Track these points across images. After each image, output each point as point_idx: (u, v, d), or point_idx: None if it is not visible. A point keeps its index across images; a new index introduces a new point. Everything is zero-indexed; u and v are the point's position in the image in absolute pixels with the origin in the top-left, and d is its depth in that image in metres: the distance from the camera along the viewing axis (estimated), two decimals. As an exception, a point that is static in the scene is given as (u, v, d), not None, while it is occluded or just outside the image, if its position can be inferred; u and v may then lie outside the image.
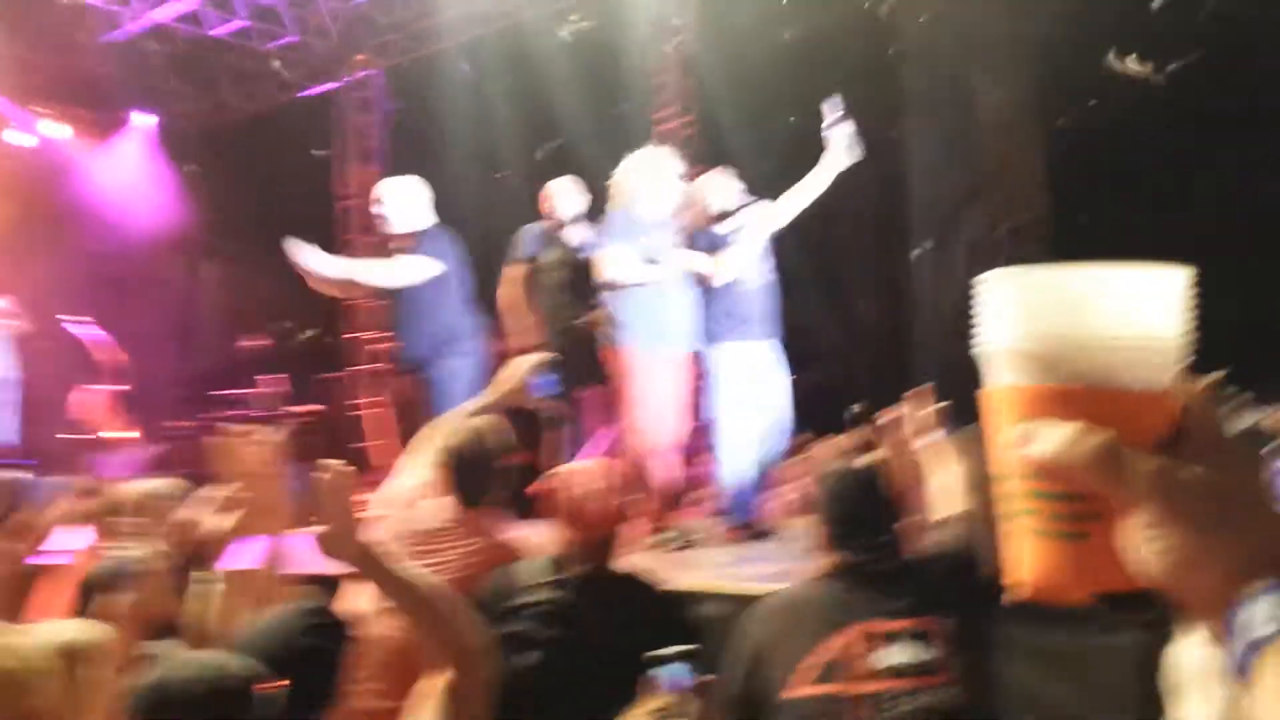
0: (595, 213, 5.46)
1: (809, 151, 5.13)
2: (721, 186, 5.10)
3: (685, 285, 4.86)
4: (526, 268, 5.73)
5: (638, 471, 4.63)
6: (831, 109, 5.00)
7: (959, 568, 2.40)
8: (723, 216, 4.99)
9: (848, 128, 5.05)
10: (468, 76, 12.73)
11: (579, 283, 5.47)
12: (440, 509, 2.88)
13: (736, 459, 4.74)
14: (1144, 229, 10.49)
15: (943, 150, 11.74)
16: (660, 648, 2.46)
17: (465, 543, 2.79)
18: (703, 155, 11.93)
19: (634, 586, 2.56)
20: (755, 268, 4.98)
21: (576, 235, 5.65)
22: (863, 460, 2.77)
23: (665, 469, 4.78)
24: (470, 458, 2.90)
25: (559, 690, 2.33)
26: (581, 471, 2.58)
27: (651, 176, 4.91)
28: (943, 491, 2.61)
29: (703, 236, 4.95)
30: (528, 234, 5.83)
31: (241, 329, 10.79)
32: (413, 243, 5.16)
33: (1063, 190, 12.11)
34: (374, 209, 5.24)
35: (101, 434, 9.68)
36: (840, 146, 5.00)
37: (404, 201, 5.16)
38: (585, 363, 5.15)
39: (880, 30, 11.94)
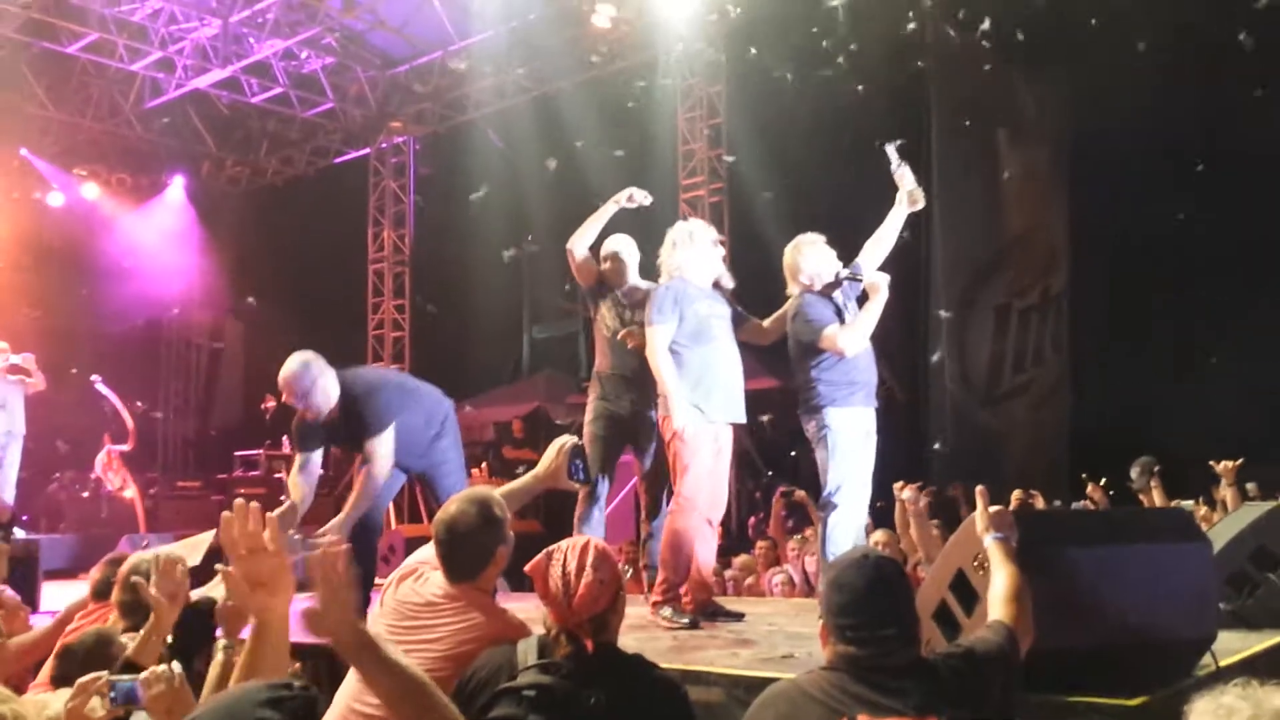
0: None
1: (838, 217, 5.15)
2: (818, 252, 4.89)
3: (734, 357, 4.91)
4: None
5: (678, 546, 4.65)
6: (894, 153, 4.95)
7: (975, 669, 2.36)
8: (828, 282, 4.84)
9: (909, 173, 4.93)
10: (497, 146, 12.97)
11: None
12: (438, 582, 2.87)
13: (847, 525, 4.66)
14: (1164, 299, 10.48)
15: (969, 217, 11.82)
16: None
17: (457, 619, 2.75)
18: (731, 223, 12.11)
19: (629, 669, 2.50)
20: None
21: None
22: (871, 550, 2.71)
23: (708, 542, 4.77)
24: (463, 532, 2.83)
25: None
26: (571, 549, 2.53)
27: (693, 247, 4.92)
28: (990, 600, 2.61)
29: (815, 303, 4.76)
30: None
31: (266, 390, 10.91)
32: (349, 419, 4.95)
33: (1085, 260, 12.14)
34: (294, 402, 4.82)
35: (108, 492, 9.81)
36: (908, 189, 4.92)
37: (318, 383, 4.84)
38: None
39: (909, 97, 12.10)
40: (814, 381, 4.67)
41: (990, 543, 2.74)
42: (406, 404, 5.06)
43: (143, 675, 2.34)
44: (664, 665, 3.37)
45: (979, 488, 2.89)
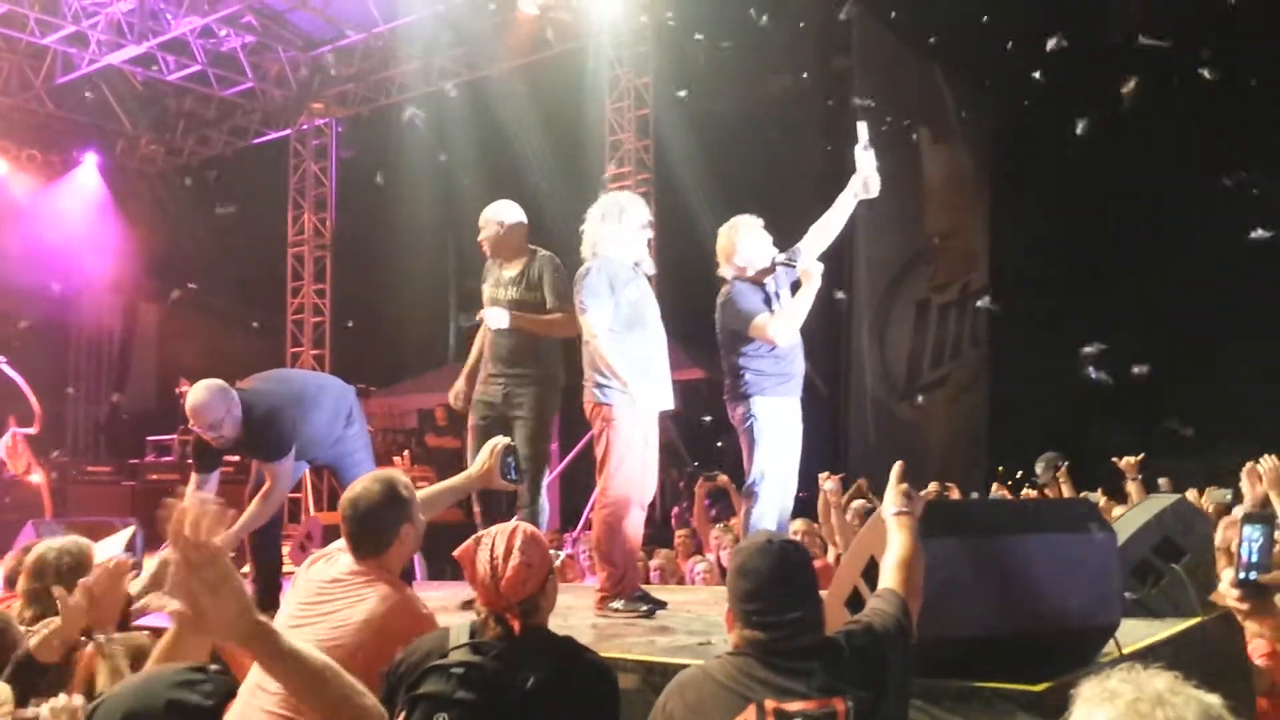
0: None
1: (767, 208, 5.03)
2: (755, 237, 4.75)
3: (664, 343, 4.84)
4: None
5: (616, 537, 4.56)
6: (864, 133, 4.70)
7: (875, 645, 2.38)
8: (761, 268, 4.68)
9: (873, 158, 4.74)
10: (422, 130, 12.80)
11: None
12: (346, 562, 2.87)
13: (771, 514, 4.64)
14: (1085, 292, 10.76)
15: (891, 214, 11.98)
16: (580, 713, 2.45)
17: (363, 594, 2.75)
18: (658, 213, 12.10)
19: (559, 650, 2.50)
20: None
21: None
22: (776, 535, 2.72)
23: (636, 528, 4.73)
24: (365, 508, 2.86)
25: None
26: (500, 533, 2.53)
27: (621, 224, 4.72)
28: (884, 568, 2.62)
29: (746, 290, 4.64)
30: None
31: (180, 374, 10.66)
32: (252, 440, 4.85)
33: (1005, 254, 12.42)
34: (202, 431, 4.68)
35: (10, 475, 9.52)
36: (865, 176, 4.72)
37: (230, 414, 4.74)
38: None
39: (835, 92, 12.23)
40: (742, 370, 4.65)
41: (891, 517, 2.75)
42: (308, 414, 4.95)
43: (46, 711, 2.26)
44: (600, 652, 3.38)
45: (897, 463, 2.87)
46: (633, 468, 4.63)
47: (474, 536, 2.55)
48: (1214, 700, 1.27)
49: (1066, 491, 7.02)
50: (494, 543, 2.49)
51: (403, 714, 2.34)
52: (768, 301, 4.73)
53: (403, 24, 12.07)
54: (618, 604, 4.56)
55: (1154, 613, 3.67)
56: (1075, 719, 1.31)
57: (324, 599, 2.82)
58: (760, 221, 4.82)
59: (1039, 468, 7.57)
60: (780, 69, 11.97)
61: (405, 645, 2.53)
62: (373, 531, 2.89)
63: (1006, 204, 12.16)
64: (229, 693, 1.87)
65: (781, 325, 4.60)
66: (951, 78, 12.52)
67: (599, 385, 4.64)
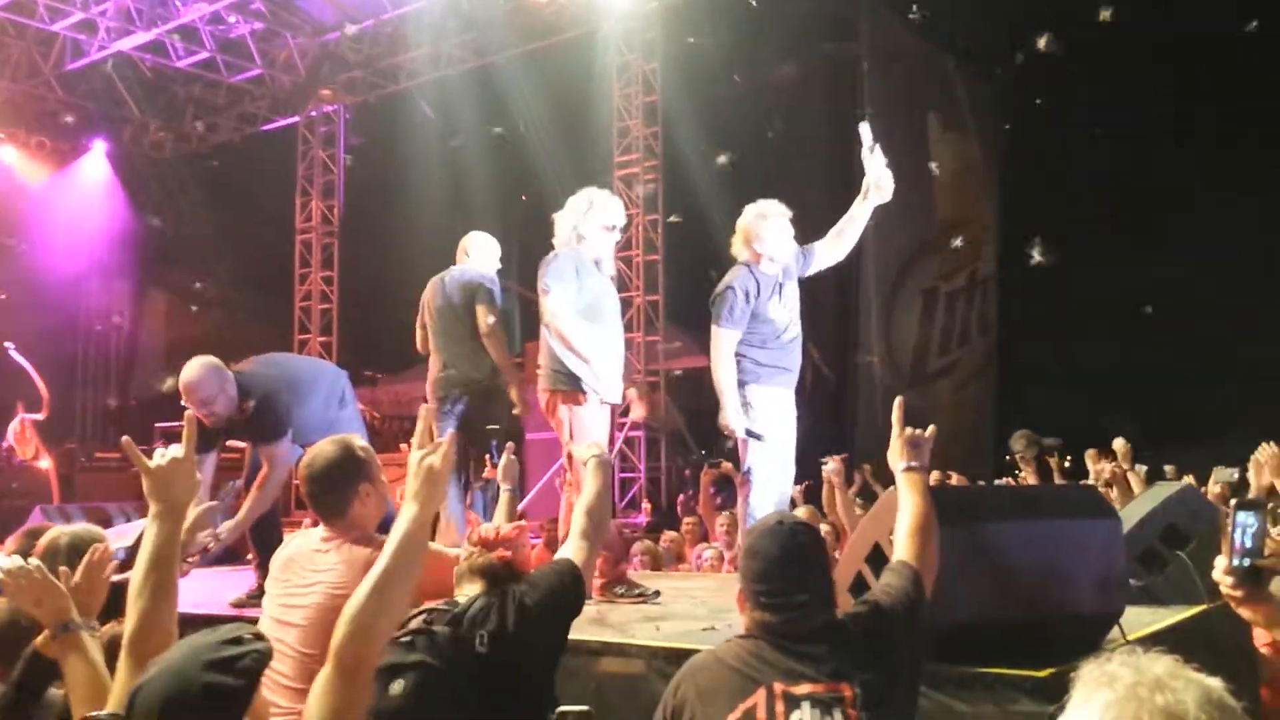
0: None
1: (776, 195, 4.99)
2: (780, 229, 4.67)
3: (621, 339, 4.87)
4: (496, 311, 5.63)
5: (601, 524, 4.57)
6: (867, 133, 4.62)
7: (884, 626, 2.37)
8: (776, 260, 4.63)
9: (880, 156, 4.65)
10: (432, 115, 12.80)
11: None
12: (320, 531, 2.96)
13: (767, 501, 4.56)
14: (1095, 281, 10.73)
15: (899, 202, 11.94)
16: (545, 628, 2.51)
17: (338, 559, 2.84)
18: (666, 200, 12.09)
19: (506, 594, 2.58)
20: (796, 314, 4.76)
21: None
22: (787, 516, 2.71)
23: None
24: (320, 468, 2.95)
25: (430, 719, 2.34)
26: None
27: (594, 219, 4.75)
28: (896, 535, 2.61)
29: (751, 277, 4.59)
30: (491, 282, 5.69)
31: (186, 359, 10.68)
32: (249, 423, 4.79)
33: (1014, 242, 12.38)
34: (194, 409, 4.64)
35: (19, 461, 9.56)
36: (876, 178, 4.64)
37: (224, 392, 4.67)
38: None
39: (844, 79, 12.17)
40: (739, 358, 4.66)
41: (902, 473, 2.69)
42: (304, 398, 4.99)
43: (4, 569, 2.36)
44: (585, 637, 3.39)
45: (897, 400, 2.80)
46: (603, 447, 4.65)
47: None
48: (1215, 684, 1.27)
49: (1034, 477, 6.98)
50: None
51: None
52: (777, 291, 4.72)
53: (411, 10, 12.04)
54: (621, 589, 4.58)
55: (1160, 600, 3.66)
56: (1074, 702, 1.31)
57: (304, 570, 2.90)
58: (789, 214, 4.78)
59: (1019, 444, 7.50)
60: (789, 55, 11.93)
61: None
62: (330, 492, 2.96)
63: (1015, 191, 12.11)
64: (265, 659, 1.89)
65: (719, 361, 4.59)
66: (962, 65, 12.46)
67: (556, 371, 4.65)
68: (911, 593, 2.48)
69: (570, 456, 4.66)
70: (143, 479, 2.25)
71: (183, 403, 4.78)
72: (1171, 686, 1.25)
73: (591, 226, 4.79)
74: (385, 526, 2.44)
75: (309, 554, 2.94)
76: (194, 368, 4.69)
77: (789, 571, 2.36)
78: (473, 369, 5.40)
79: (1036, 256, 9.40)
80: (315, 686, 2.06)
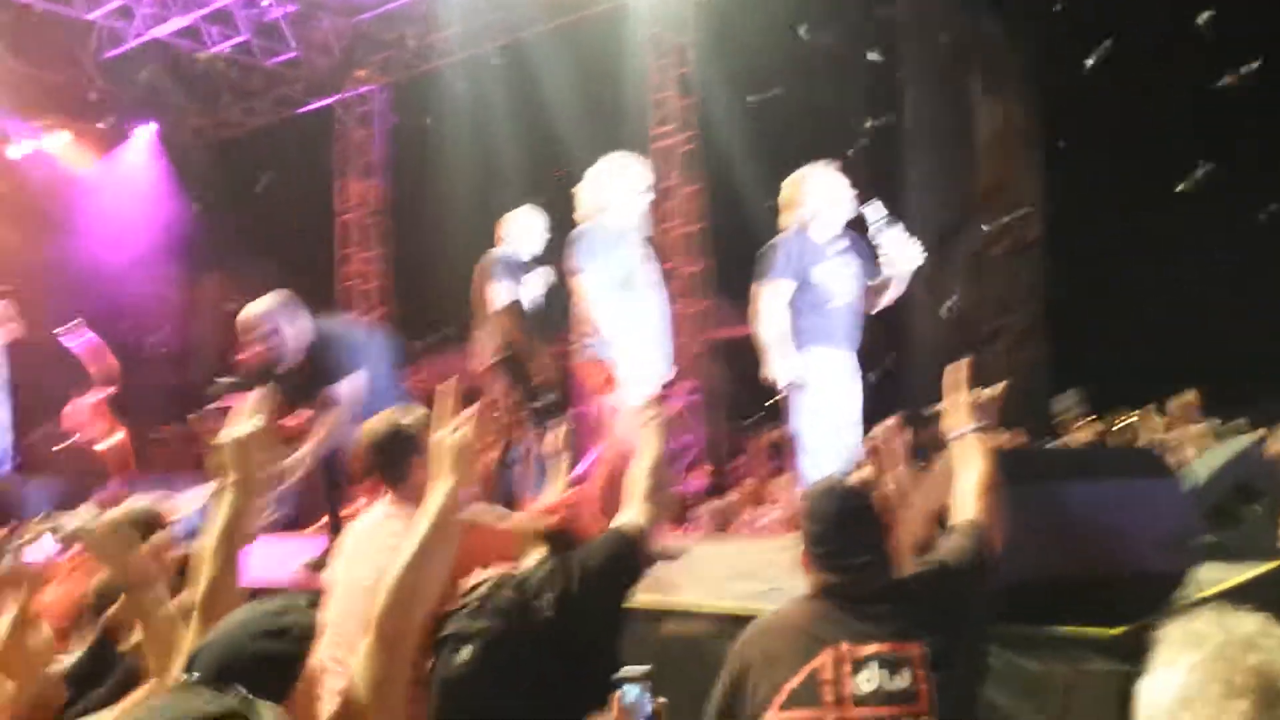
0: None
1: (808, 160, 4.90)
2: (823, 187, 4.56)
3: (661, 306, 4.85)
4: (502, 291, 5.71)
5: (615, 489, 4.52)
6: (876, 212, 4.53)
7: (951, 586, 2.36)
8: (831, 219, 4.56)
9: (896, 230, 4.58)
10: (467, 93, 12.77)
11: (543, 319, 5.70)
12: (383, 504, 3.01)
13: (823, 465, 4.52)
14: (1139, 245, 10.55)
15: (943, 167, 11.79)
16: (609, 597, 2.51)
17: (390, 541, 2.80)
18: (703, 172, 12.03)
19: (570, 558, 2.57)
20: (849, 285, 4.66)
21: (536, 275, 5.80)
22: (847, 478, 2.69)
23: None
24: (373, 442, 3.05)
25: (496, 684, 2.33)
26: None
27: (617, 186, 4.67)
28: (959, 496, 2.57)
29: (799, 239, 4.50)
30: (504, 257, 5.73)
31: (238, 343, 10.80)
32: (313, 359, 4.86)
33: (1061, 207, 12.18)
34: (261, 343, 4.72)
35: (90, 440, 9.67)
36: (895, 263, 4.57)
37: (293, 324, 4.79)
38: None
39: (882, 45, 12.01)
40: (792, 321, 4.61)
41: (969, 434, 2.63)
42: (370, 356, 5.09)
43: (85, 523, 2.45)
44: (647, 599, 3.38)
45: (964, 361, 2.71)
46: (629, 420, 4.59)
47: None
48: None
49: (1082, 436, 6.90)
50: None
51: (431, 661, 2.38)
52: (827, 257, 4.62)
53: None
54: None
55: (1233, 555, 3.60)
56: (1159, 663, 1.26)
57: (373, 544, 2.93)
58: (829, 166, 4.69)
59: (1068, 402, 7.40)
60: (826, 22, 11.76)
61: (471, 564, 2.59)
62: (389, 459, 3.05)
63: (1061, 155, 11.90)
64: (313, 631, 1.92)
65: (763, 313, 4.50)
66: (1006, 26, 12.23)
67: (590, 344, 4.63)
68: (979, 551, 2.46)
69: (602, 429, 4.65)
70: (218, 450, 2.27)
71: (241, 340, 4.83)
72: (1264, 645, 1.20)
73: (620, 193, 4.71)
74: None
75: (379, 525, 3.00)
76: (261, 300, 4.82)
77: (848, 533, 2.36)
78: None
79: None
80: (358, 657, 2.08)
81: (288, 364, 4.85)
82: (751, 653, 2.34)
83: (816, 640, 2.25)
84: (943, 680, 2.22)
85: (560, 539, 2.56)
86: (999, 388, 2.73)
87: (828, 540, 2.36)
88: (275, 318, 4.74)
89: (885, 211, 4.64)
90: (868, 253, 4.77)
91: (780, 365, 4.52)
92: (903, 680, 2.20)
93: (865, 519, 2.41)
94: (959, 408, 2.67)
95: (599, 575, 2.48)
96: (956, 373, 2.71)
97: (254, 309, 4.78)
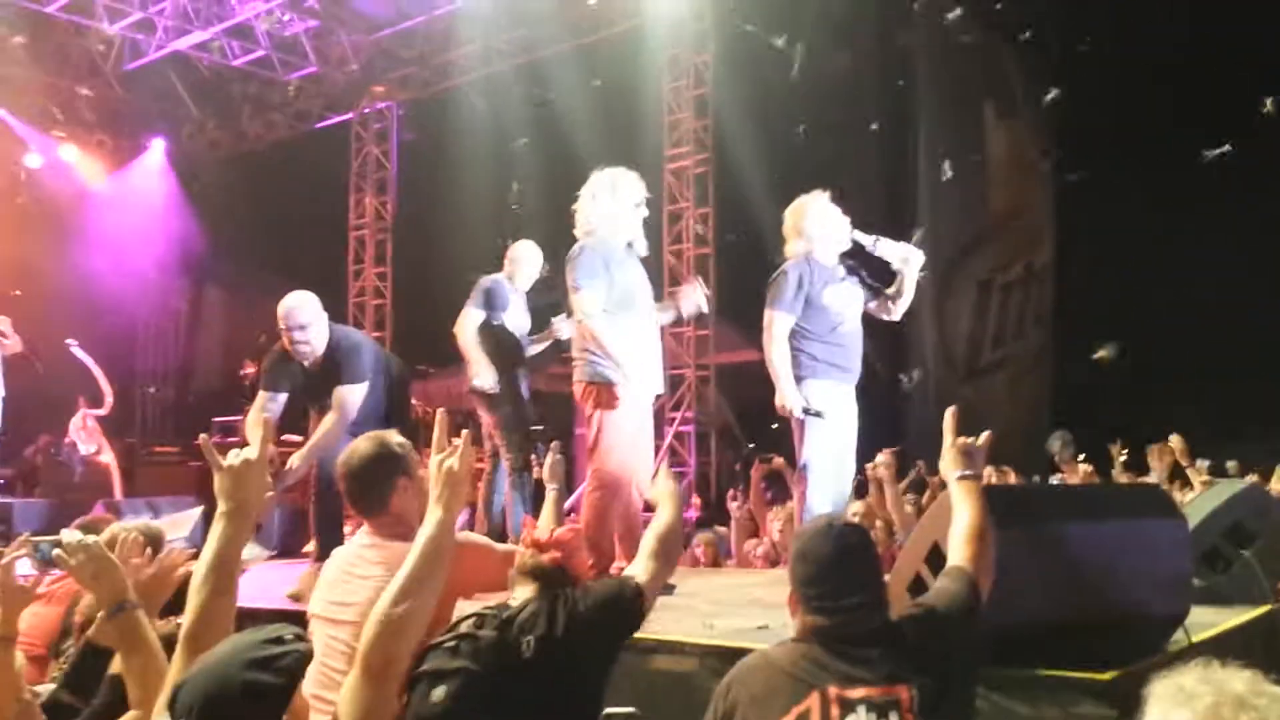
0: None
1: (829, 188, 4.94)
2: (822, 215, 4.64)
3: (655, 326, 4.80)
4: (483, 317, 5.87)
5: (601, 524, 4.51)
6: (863, 236, 4.67)
7: (939, 629, 2.36)
8: (832, 247, 4.65)
9: (890, 243, 4.73)
10: (483, 111, 12.84)
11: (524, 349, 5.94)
12: (364, 532, 2.95)
13: (824, 498, 4.51)
14: (1153, 272, 10.53)
15: (953, 193, 11.79)
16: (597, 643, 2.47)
17: (384, 558, 2.79)
18: (716, 193, 12.05)
19: (562, 603, 2.54)
20: (856, 310, 4.73)
21: (524, 302, 6.04)
22: (836, 518, 2.68)
23: (629, 507, 4.68)
24: (356, 465, 2.94)
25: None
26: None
27: (615, 201, 4.64)
28: (950, 541, 2.57)
29: (807, 265, 4.57)
30: (489, 285, 5.89)
31: (244, 357, 10.87)
32: (330, 361, 4.95)
33: (1070, 232, 12.16)
34: (290, 333, 4.80)
35: (82, 455, 9.75)
36: (900, 253, 4.70)
37: (319, 320, 4.88)
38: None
39: (897, 69, 12.04)
40: (794, 353, 4.62)
41: (955, 481, 2.65)
42: (381, 372, 5.18)
43: (65, 543, 2.40)
44: (636, 635, 3.37)
45: (950, 409, 2.73)
46: (625, 451, 4.56)
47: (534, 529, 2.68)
48: None
49: (1076, 478, 6.88)
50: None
51: (406, 697, 2.35)
52: (834, 281, 4.65)
53: (463, 6, 12.08)
54: None
55: (1224, 600, 3.58)
56: (1151, 719, 1.26)
57: (353, 574, 2.89)
58: (826, 195, 4.74)
59: (1056, 445, 7.41)
60: (841, 45, 11.80)
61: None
62: (367, 487, 2.95)
63: (1072, 181, 11.89)
64: (305, 660, 1.90)
65: (772, 344, 4.57)
66: (1017, 53, 12.25)
67: (591, 364, 4.58)
68: (968, 597, 2.45)
69: (593, 450, 4.64)
70: (215, 477, 2.27)
71: (280, 327, 4.89)
72: (1255, 705, 1.20)
73: (621, 207, 4.69)
74: None
75: (357, 555, 2.94)
76: (296, 294, 4.92)
77: (840, 574, 2.34)
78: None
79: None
80: (344, 689, 2.06)
81: (312, 360, 4.93)
82: (738, 693, 2.32)
83: (805, 684, 2.24)
84: None
85: (553, 576, 2.53)
86: (985, 436, 2.73)
87: (819, 582, 2.34)
88: (310, 311, 4.85)
89: (872, 235, 4.69)
90: (868, 274, 4.83)
91: (794, 393, 4.53)
92: (890, 724, 2.20)
93: (859, 559, 2.39)
94: (950, 453, 2.68)
95: (589, 622, 2.44)
96: (950, 418, 2.71)
97: (293, 299, 4.86)
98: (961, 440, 2.68)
